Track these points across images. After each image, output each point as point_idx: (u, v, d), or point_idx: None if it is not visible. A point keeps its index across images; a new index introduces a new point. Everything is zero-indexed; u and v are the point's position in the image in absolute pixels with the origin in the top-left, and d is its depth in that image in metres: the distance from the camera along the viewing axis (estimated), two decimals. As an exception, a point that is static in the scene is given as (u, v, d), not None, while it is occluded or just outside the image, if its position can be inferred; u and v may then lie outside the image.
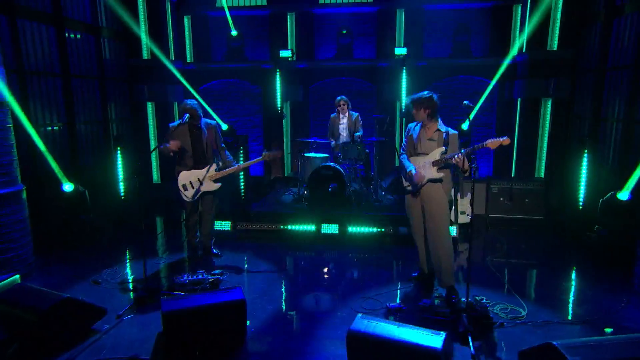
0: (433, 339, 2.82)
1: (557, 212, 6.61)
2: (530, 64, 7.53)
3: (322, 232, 6.02)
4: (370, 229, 5.97)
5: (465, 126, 8.08)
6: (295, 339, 3.61)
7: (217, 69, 9.36)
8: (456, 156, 3.90)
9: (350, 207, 6.41)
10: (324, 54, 9.38)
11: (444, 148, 4.16)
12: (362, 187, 6.72)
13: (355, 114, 7.20)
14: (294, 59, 8.88)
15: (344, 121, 7.15)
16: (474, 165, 3.50)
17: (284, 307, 4.19)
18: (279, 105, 8.81)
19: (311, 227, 6.06)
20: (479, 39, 8.95)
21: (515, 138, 8.03)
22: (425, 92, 4.18)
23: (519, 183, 6.72)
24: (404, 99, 8.74)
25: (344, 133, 7.18)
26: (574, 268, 5.12)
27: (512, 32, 8.78)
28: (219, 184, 5.08)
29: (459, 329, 3.52)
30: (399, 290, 4.48)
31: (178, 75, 8.56)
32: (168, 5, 8.55)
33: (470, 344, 3.38)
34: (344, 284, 4.73)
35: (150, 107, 8.51)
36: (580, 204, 6.14)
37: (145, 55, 8.30)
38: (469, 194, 6.34)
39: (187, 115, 4.78)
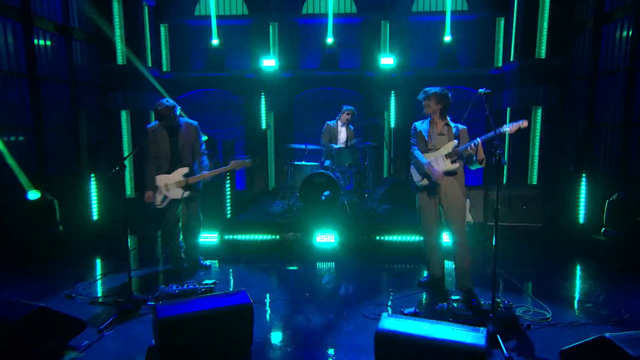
0: (475, 336, 2.57)
1: (556, 219, 6.56)
2: (519, 72, 7.64)
3: (318, 241, 5.73)
4: (370, 237, 5.72)
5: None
6: (307, 348, 3.27)
7: (196, 78, 9.09)
8: (472, 144, 3.82)
9: (344, 216, 6.16)
10: (308, 64, 9.28)
11: (456, 141, 4.08)
12: (356, 196, 6.50)
13: (352, 127, 7.05)
14: (277, 67, 8.73)
15: (343, 131, 6.94)
16: (499, 151, 3.35)
17: (288, 316, 3.84)
18: (263, 116, 8.59)
19: (306, 236, 5.76)
20: (466, 50, 9.08)
21: (506, 147, 8.07)
22: (441, 88, 4.19)
23: (517, 190, 6.66)
24: (393, 109, 8.71)
25: (341, 144, 6.94)
26: (587, 271, 5.02)
27: (495, 43, 8.98)
28: (188, 192, 4.66)
29: (489, 330, 3.28)
30: (411, 296, 4.23)
31: (155, 83, 8.23)
32: (146, 10, 8.29)
33: (502, 345, 3.14)
34: (351, 292, 4.44)
35: (124, 115, 8.11)
36: (582, 210, 6.11)
37: (120, 60, 7.95)
38: (468, 200, 6.23)
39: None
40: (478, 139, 3.83)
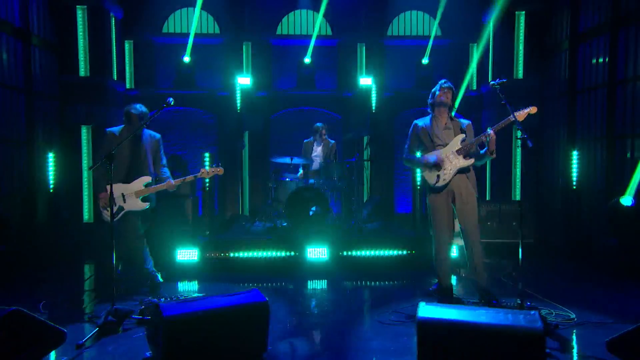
0: (529, 319, 2.41)
1: (548, 235, 6.67)
2: (497, 91, 7.93)
3: (309, 257, 5.46)
4: (364, 252, 5.53)
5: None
6: (325, 354, 2.98)
7: (164, 96, 8.71)
8: (485, 134, 3.82)
9: (334, 231, 5.96)
10: (284, 84, 9.26)
11: (463, 135, 4.09)
12: (344, 211, 6.34)
13: (332, 142, 7.05)
14: (252, 85, 8.65)
15: (318, 149, 6.94)
16: (525, 135, 3.37)
17: (296, 326, 3.54)
18: (238, 135, 8.38)
19: (295, 253, 5.48)
20: (441, 73, 9.39)
21: (488, 164, 8.26)
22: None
23: (507, 205, 6.74)
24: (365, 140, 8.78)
25: (317, 160, 6.94)
26: (596, 278, 5.07)
27: (470, 68, 9.38)
28: (147, 204, 4.34)
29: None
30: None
31: (120, 97, 7.90)
32: (112, 22, 8.05)
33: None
34: (358, 304, 4.21)
35: (85, 131, 7.64)
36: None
37: (82, 72, 7.59)
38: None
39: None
40: (490, 129, 3.85)
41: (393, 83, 9.25)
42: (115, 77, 8.04)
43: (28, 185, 6.58)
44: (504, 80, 3.70)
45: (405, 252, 5.56)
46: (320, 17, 8.82)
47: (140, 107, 4.37)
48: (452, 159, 4.04)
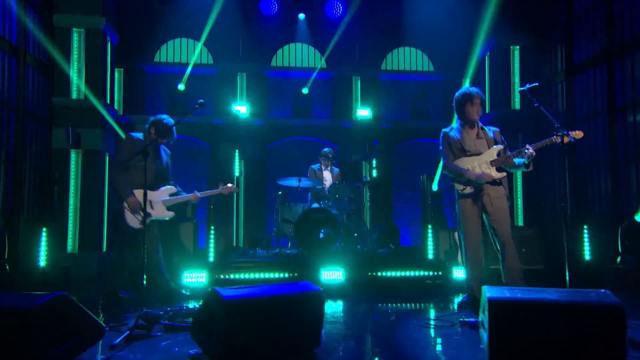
0: (603, 295, 2.48)
1: (557, 260, 6.81)
2: (497, 122, 8.35)
3: (323, 279, 5.40)
4: (380, 274, 5.52)
5: (435, 186, 8.38)
6: (380, 349, 2.95)
7: (156, 123, 8.82)
8: (526, 150, 3.90)
9: (346, 254, 5.95)
10: (280, 115, 9.47)
11: (501, 146, 4.20)
12: (354, 233, 6.36)
13: (337, 170, 7.15)
14: (248, 114, 8.80)
15: (326, 174, 6.99)
16: (565, 131, 3.53)
17: (344, 332, 3.47)
18: (235, 164, 8.41)
19: (310, 273, 5.42)
20: (435, 106, 9.85)
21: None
22: None
23: (515, 231, 6.91)
24: (375, 161, 8.95)
25: (318, 185, 6.97)
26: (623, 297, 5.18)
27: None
28: (172, 213, 4.51)
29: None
30: (454, 314, 4.06)
31: (114, 123, 7.87)
32: (109, 46, 8.15)
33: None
34: (392, 315, 4.15)
35: (74, 155, 7.51)
36: (587, 248, 6.41)
37: (74, 95, 7.56)
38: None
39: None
40: (528, 146, 3.94)
41: (390, 114, 9.60)
42: (108, 101, 8.04)
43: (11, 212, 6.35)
44: (536, 84, 3.88)
45: (430, 273, 5.58)
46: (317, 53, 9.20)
47: (168, 118, 4.48)
48: (485, 169, 4.15)
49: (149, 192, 4.28)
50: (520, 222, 7.92)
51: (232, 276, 5.32)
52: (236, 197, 8.69)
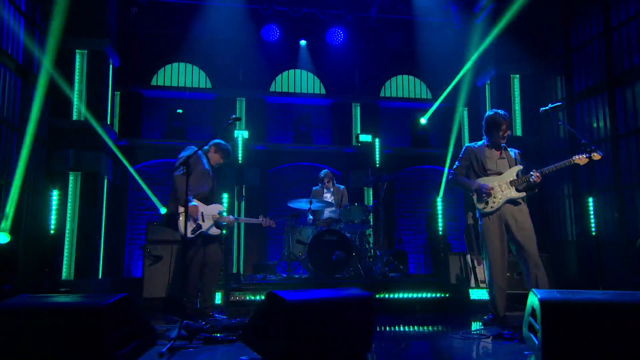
0: (646, 295, 2.72)
1: (561, 283, 7.08)
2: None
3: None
4: (401, 296, 5.69)
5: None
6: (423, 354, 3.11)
7: (155, 147, 9.00)
8: (534, 174, 4.24)
9: (359, 278, 6.10)
10: (280, 140, 9.73)
11: (521, 166, 4.48)
12: (367, 256, 6.53)
13: (342, 187, 7.37)
14: (248, 138, 9.01)
15: (327, 195, 7.21)
16: (593, 146, 3.83)
17: (384, 346, 3.62)
18: (235, 189, 8.56)
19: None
20: (434, 133, 10.26)
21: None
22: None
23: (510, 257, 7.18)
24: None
25: (329, 207, 7.18)
26: None
27: (462, 130, 10.34)
28: (220, 231, 4.78)
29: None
30: (483, 330, 4.23)
31: (112, 145, 7.99)
32: (110, 69, 8.35)
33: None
34: (420, 330, 4.30)
35: (72, 178, 7.57)
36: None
37: (75, 116, 7.69)
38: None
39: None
40: (541, 170, 4.26)
41: (390, 141, 9.96)
42: (109, 122, 8.17)
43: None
44: (559, 104, 4.20)
45: (447, 294, 5.77)
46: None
47: (227, 144, 5.05)
48: (505, 188, 4.41)
49: (203, 206, 4.62)
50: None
51: (247, 297, 5.40)
52: (237, 223, 8.79)
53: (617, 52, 7.14)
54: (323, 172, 7.37)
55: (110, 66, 8.39)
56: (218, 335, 3.41)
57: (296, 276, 6.56)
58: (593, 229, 6.88)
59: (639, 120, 6.71)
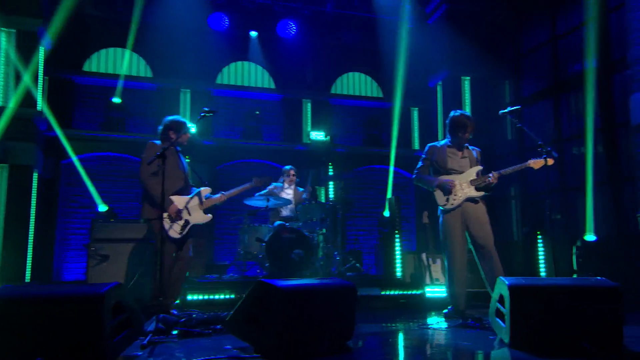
0: (602, 281, 3.25)
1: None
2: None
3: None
4: (360, 293, 6.06)
5: (387, 213, 9.17)
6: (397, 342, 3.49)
7: (89, 139, 8.82)
8: (491, 176, 4.76)
9: (318, 276, 6.43)
10: (229, 135, 9.87)
11: (481, 167, 4.98)
12: (327, 254, 6.87)
13: (301, 189, 7.58)
14: (196, 133, 9.07)
15: (289, 192, 7.38)
16: (548, 148, 4.38)
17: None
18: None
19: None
20: (387, 133, 10.78)
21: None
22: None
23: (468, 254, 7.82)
24: (331, 185, 9.58)
25: (287, 207, 7.34)
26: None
27: (412, 130, 10.96)
28: (210, 216, 4.85)
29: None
30: (449, 322, 4.69)
31: (40, 136, 7.81)
32: (42, 51, 8.12)
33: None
34: (392, 325, 4.69)
35: (-1, 171, 7.34)
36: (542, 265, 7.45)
37: (1, 102, 7.45)
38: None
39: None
40: (499, 171, 4.78)
41: (343, 139, 10.38)
42: (39, 108, 7.95)
43: None
44: (518, 107, 4.77)
45: (406, 292, 6.27)
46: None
47: (180, 117, 4.91)
48: (465, 187, 4.87)
49: (184, 198, 4.60)
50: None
51: (203, 297, 5.58)
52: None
53: (563, 59, 7.98)
54: (285, 167, 7.50)
55: (42, 49, 8.17)
56: (196, 329, 3.60)
57: (252, 275, 6.76)
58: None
59: (582, 125, 7.54)
